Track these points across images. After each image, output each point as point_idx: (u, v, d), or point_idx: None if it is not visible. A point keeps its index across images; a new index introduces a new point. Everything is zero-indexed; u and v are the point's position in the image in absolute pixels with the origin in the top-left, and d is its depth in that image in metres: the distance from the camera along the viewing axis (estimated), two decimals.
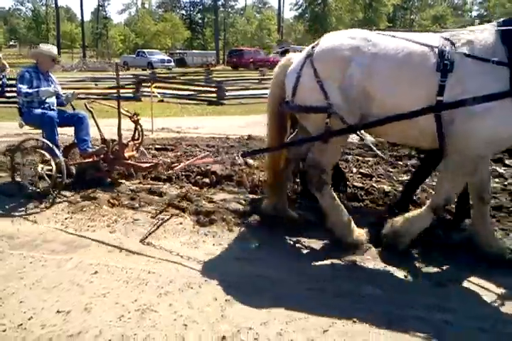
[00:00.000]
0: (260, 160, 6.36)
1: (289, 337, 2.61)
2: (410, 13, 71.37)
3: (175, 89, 16.01)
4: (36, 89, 5.02)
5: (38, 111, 5.10)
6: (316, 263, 3.50)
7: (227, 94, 15.61)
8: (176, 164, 4.95)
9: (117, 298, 2.96)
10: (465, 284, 3.21)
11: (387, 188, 4.98)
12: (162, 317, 2.76)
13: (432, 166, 4.15)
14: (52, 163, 4.75)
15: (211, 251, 3.69)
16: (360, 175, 5.66)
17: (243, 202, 4.77)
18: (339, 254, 3.60)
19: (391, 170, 5.88)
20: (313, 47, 3.56)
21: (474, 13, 74.14)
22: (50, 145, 4.81)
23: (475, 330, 2.68)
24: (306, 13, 61.07)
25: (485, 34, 3.12)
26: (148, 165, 5.19)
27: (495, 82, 2.96)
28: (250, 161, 6.28)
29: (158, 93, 11.44)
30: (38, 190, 4.90)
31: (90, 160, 5.24)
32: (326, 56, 3.45)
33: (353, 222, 3.71)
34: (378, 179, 5.47)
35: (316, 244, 3.81)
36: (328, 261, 3.52)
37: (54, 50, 5.42)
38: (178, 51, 50.16)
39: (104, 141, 5.34)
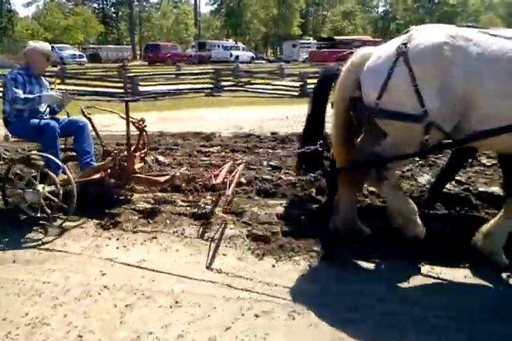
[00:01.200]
0: (171, 157, 6.23)
1: (190, 338, 2.54)
2: (322, 9, 73.51)
3: (86, 85, 15.29)
4: (38, 95, 4.20)
5: (34, 121, 4.23)
6: (221, 260, 3.45)
7: (141, 89, 15.13)
8: (217, 181, 4.33)
9: (6, 314, 2.72)
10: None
11: (293, 179, 5.03)
12: (55, 330, 2.57)
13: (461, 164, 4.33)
14: (57, 182, 3.90)
15: (114, 254, 3.51)
16: (269, 168, 5.70)
17: (152, 201, 4.62)
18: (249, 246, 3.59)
19: None
20: (405, 44, 3.06)
21: (380, 9, 77.92)
22: (57, 161, 4.00)
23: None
24: (222, 9, 60.93)
25: None
26: (165, 178, 4.52)
27: None
28: (161, 158, 6.13)
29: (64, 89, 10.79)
30: (41, 215, 4.00)
31: (98, 176, 4.38)
32: (425, 56, 2.99)
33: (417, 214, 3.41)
34: (287, 171, 5.52)
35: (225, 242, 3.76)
36: (232, 257, 3.49)
37: (48, 47, 4.58)
38: (91, 46, 48.07)
39: (108, 152, 4.60)
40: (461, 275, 3.21)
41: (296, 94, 15.05)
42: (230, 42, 48.31)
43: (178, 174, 4.72)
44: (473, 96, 2.90)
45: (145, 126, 4.72)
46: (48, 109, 4.52)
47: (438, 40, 3.00)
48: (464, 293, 2.99)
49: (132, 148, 4.56)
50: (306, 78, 15.17)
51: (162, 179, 4.49)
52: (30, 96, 4.16)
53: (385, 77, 3.06)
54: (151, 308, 2.80)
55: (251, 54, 45.21)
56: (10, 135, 4.40)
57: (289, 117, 9.87)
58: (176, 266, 3.33)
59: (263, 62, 42.75)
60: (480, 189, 4.65)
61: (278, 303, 2.86)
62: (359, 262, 3.38)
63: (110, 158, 4.42)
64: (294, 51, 41.34)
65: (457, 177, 4.91)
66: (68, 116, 4.66)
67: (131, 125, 4.50)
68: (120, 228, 3.97)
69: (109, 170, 4.44)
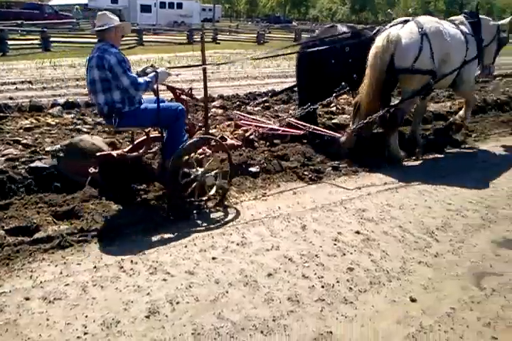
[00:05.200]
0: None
1: None
2: None
3: None
4: (154, 74, 3.54)
5: (152, 106, 3.56)
6: None
7: None
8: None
9: None
10: None
11: None
12: None
13: None
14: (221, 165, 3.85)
15: None
16: None
17: None
18: None
19: None
20: (421, 28, 4.83)
21: None
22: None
23: None
24: None
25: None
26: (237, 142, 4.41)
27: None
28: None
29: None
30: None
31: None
32: (436, 34, 4.87)
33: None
34: None
35: None
36: None
37: None
38: None
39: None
40: None
41: None
42: None
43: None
44: (449, 56, 5.05)
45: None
46: None
47: (438, 25, 5.03)
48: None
49: None
50: None
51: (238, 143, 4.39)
52: (148, 78, 3.53)
53: (418, 49, 4.77)
54: None
55: None
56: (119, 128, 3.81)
57: None
58: None
59: None
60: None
61: None
62: None
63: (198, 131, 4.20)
64: None
65: None
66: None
67: None
68: None
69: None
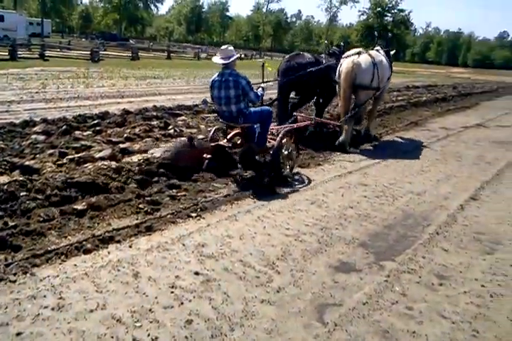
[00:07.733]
0: None
1: None
2: None
3: None
4: (262, 88, 5.53)
5: (257, 108, 5.39)
6: None
7: None
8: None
9: None
10: None
11: None
12: None
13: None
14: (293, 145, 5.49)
15: None
16: None
17: None
18: None
19: None
20: (373, 58, 7.17)
21: None
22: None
23: None
24: None
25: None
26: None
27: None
28: None
29: None
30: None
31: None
32: (380, 64, 7.24)
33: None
34: None
35: None
36: None
37: None
38: None
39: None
40: None
41: None
42: None
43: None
44: (383, 78, 7.40)
45: None
46: None
47: (382, 57, 7.48)
48: None
49: None
50: None
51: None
52: (261, 91, 5.42)
53: (372, 73, 7.09)
54: None
55: None
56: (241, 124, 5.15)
57: None
58: None
59: None
60: None
61: None
62: None
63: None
64: None
65: None
66: None
67: None
68: None
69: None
